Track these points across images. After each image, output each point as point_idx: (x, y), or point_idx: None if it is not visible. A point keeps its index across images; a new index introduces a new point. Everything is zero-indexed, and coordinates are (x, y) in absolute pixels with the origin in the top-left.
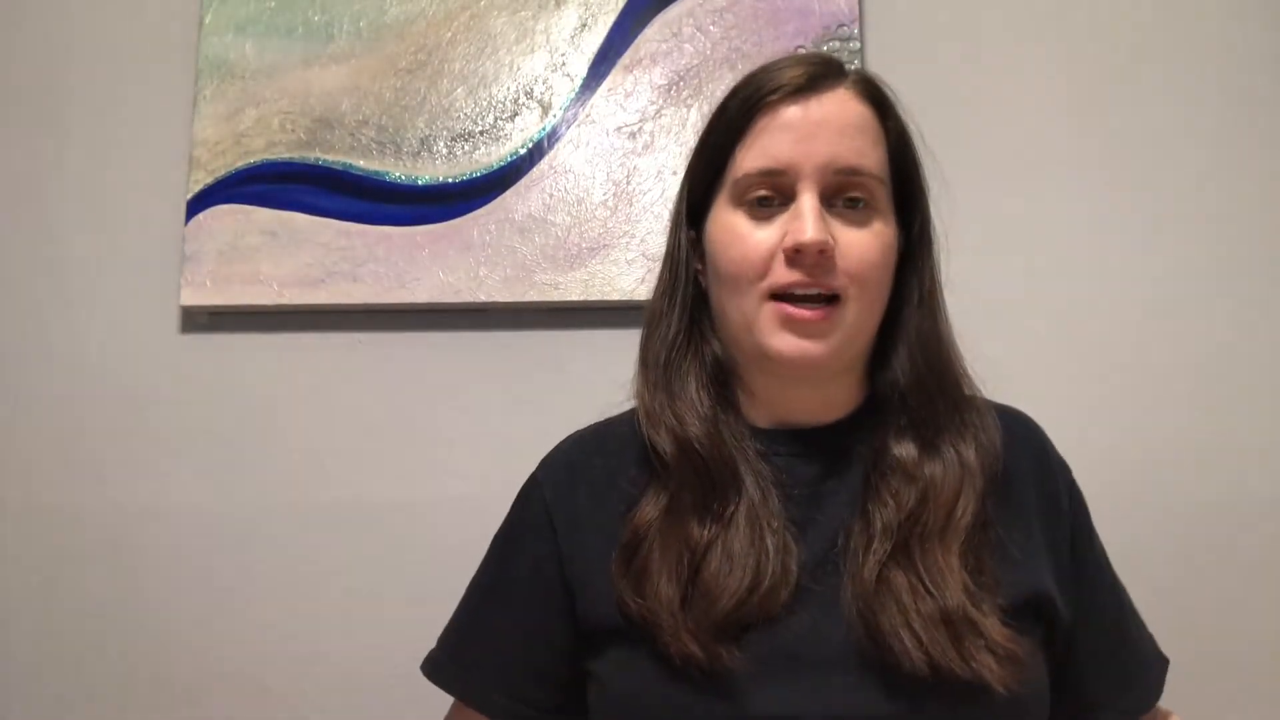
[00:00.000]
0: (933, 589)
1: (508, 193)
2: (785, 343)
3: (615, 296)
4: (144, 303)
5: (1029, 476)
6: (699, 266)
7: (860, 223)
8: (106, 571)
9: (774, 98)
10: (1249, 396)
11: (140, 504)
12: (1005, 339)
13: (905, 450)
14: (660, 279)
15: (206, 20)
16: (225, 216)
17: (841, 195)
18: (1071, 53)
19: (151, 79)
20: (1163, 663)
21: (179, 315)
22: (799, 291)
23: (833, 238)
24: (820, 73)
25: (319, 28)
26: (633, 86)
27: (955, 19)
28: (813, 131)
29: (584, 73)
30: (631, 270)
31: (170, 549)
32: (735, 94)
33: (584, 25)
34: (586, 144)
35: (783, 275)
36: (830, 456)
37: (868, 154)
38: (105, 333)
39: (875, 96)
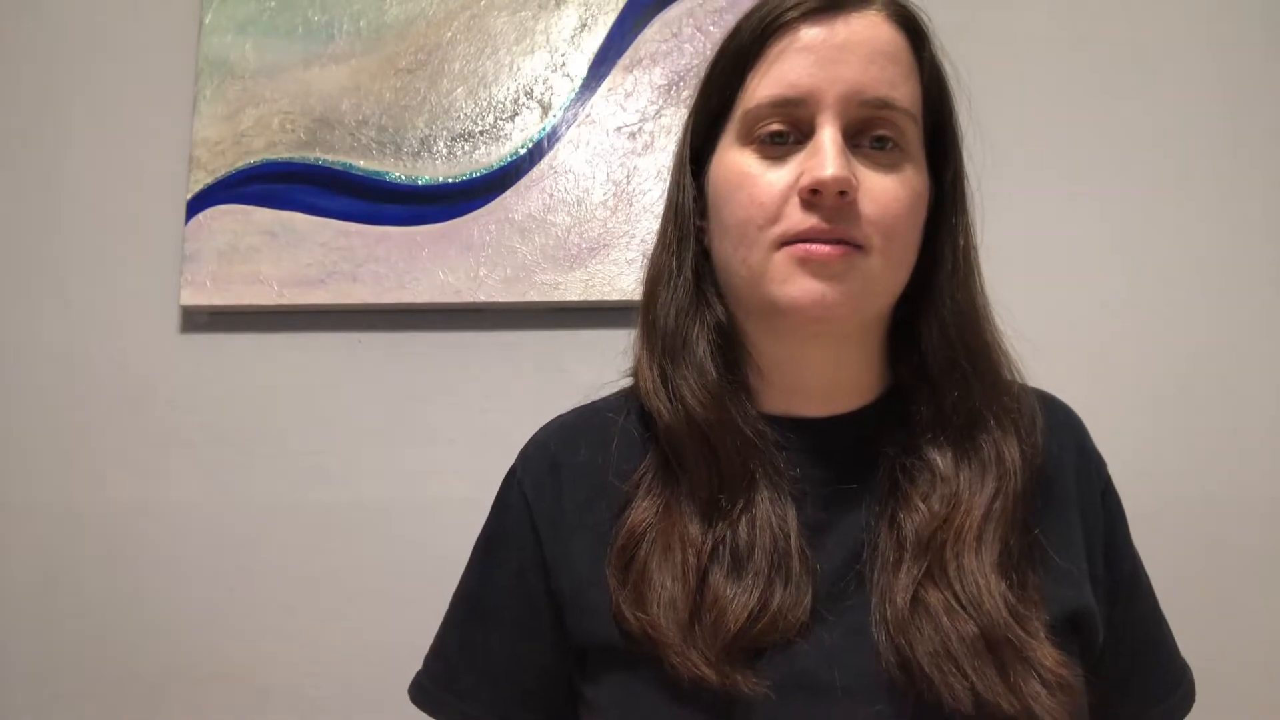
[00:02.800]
0: (971, 608)
1: (508, 193)
2: (799, 288)
3: (615, 296)
4: (144, 303)
5: (1069, 472)
6: (700, 223)
7: (888, 166)
8: (106, 571)
9: (793, 15)
10: (1250, 395)
11: (140, 504)
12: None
13: (936, 445)
14: (662, 232)
15: (206, 20)
16: (225, 216)
17: (868, 133)
18: (1089, 42)
19: (151, 79)
20: (1189, 669)
21: (179, 315)
22: (815, 239)
23: (856, 179)
24: None
25: (319, 28)
26: (633, 87)
27: (968, 22)
28: (837, 56)
29: (584, 73)
30: (632, 270)
31: (170, 549)
32: (750, 15)
33: (584, 25)
34: (586, 144)
35: (797, 220)
36: (849, 452)
37: (900, 86)
38: (105, 333)
39: (910, 23)
